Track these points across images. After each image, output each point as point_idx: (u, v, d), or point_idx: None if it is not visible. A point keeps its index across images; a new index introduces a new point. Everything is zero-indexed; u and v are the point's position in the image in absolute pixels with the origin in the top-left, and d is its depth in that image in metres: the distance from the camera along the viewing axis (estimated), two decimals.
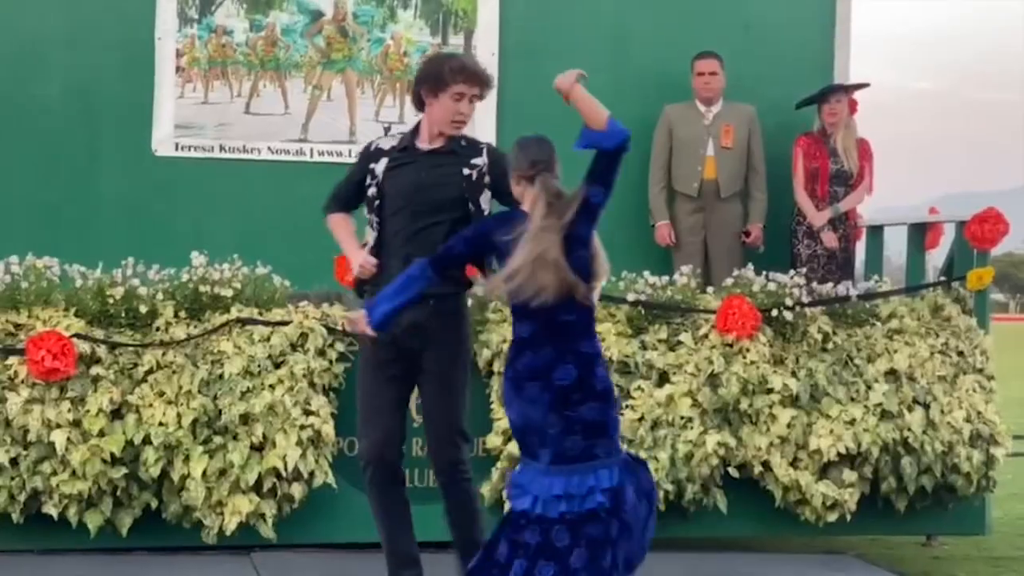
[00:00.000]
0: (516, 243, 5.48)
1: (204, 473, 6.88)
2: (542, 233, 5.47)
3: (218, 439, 6.95)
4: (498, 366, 7.27)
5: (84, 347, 6.92)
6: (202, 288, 7.21)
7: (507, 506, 5.71)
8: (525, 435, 5.54)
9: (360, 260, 6.06)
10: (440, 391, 6.06)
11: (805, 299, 7.72)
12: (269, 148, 8.77)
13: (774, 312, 7.63)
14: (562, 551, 5.36)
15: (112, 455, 6.81)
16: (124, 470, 6.85)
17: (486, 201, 6.09)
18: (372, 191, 6.15)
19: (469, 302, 6.39)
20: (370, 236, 6.14)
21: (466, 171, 6.07)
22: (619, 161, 5.58)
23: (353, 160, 8.69)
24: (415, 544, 6.13)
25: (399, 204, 6.09)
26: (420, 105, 6.19)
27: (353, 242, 6.20)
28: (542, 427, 5.45)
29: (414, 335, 5.93)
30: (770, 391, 7.46)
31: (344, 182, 6.37)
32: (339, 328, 7.17)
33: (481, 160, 6.11)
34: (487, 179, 6.07)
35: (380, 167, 6.15)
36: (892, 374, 7.66)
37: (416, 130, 6.21)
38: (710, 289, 7.88)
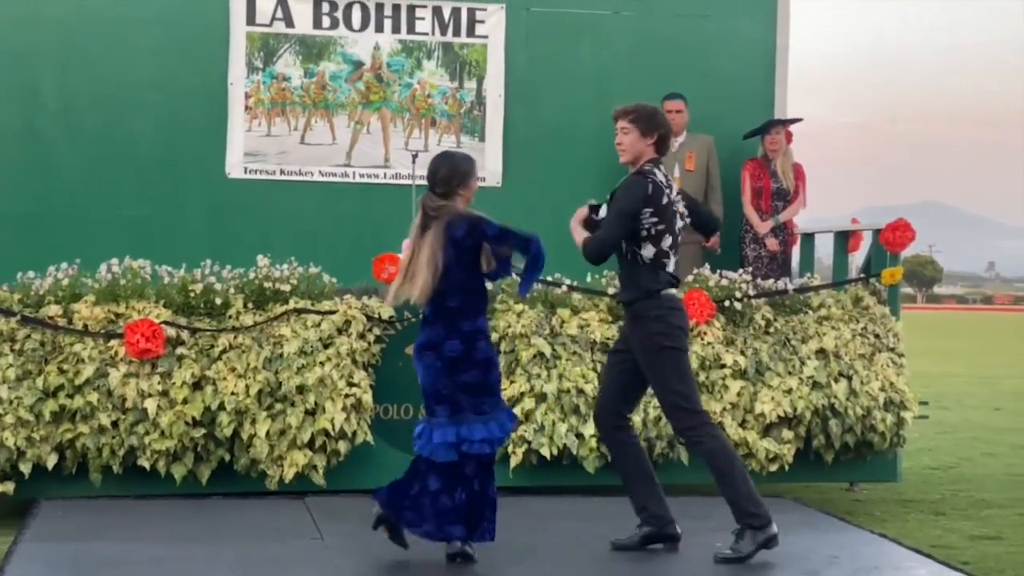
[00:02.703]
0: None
1: (267, 433, 6.88)
2: (416, 243, 5.62)
3: (279, 406, 6.95)
4: (504, 346, 7.26)
5: (171, 332, 6.92)
6: (266, 284, 7.21)
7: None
8: (425, 396, 5.66)
9: None
10: (651, 384, 6.01)
11: (751, 292, 7.72)
12: (320, 172, 8.78)
13: (726, 303, 7.62)
14: (470, 477, 5.55)
15: (193, 418, 6.82)
16: (203, 431, 6.85)
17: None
18: None
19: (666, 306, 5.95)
20: None
21: None
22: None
23: (387, 181, 8.82)
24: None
25: None
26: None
27: None
28: (437, 389, 5.58)
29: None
30: (723, 366, 7.45)
31: None
32: (378, 316, 7.17)
33: None
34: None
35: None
36: (821, 352, 7.65)
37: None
38: None
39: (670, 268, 5.91)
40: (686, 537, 6.34)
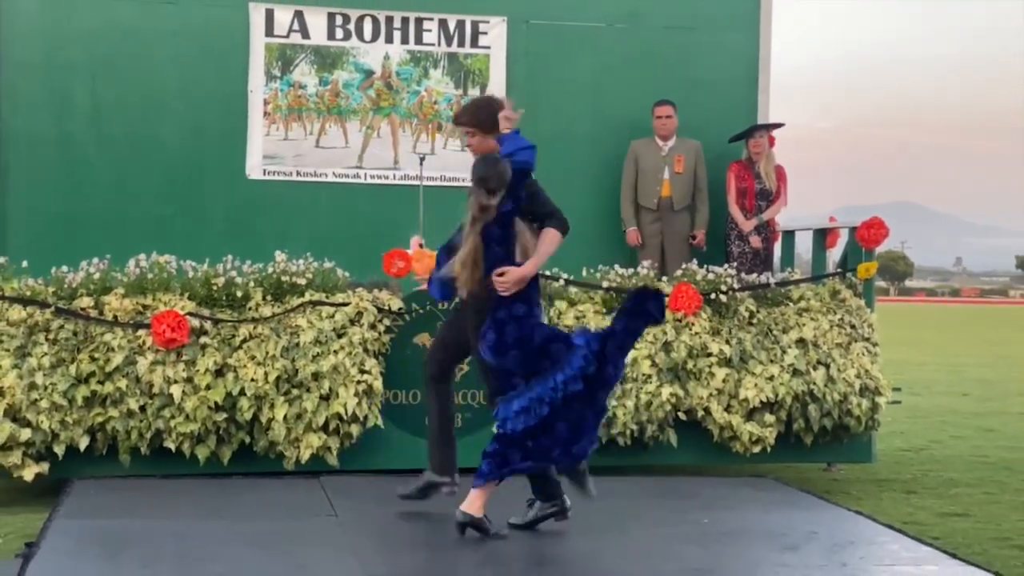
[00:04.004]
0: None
1: (285, 417, 6.87)
2: (471, 243, 5.49)
3: (295, 391, 6.94)
4: None
5: (195, 322, 6.91)
6: (283, 278, 7.20)
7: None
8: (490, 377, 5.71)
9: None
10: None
11: (736, 286, 7.71)
12: (333, 173, 8.76)
13: (712, 295, 7.61)
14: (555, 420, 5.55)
15: (216, 403, 6.81)
16: (225, 415, 6.85)
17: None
18: None
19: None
20: None
21: None
22: (521, 178, 5.51)
23: (396, 182, 8.81)
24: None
25: None
26: None
27: None
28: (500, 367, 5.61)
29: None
30: (709, 354, 7.44)
31: None
32: (388, 308, 7.17)
33: None
34: None
35: None
36: (801, 342, 7.64)
37: None
38: (664, 278, 7.86)
39: None
40: (674, 514, 6.35)
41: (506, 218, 5.53)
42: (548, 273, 7.49)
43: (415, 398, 7.21)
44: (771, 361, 7.53)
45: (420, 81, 8.87)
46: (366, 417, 6.97)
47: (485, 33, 8.92)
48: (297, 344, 6.99)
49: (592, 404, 5.62)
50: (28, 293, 6.92)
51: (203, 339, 6.92)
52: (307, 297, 7.16)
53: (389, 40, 8.81)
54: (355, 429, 6.94)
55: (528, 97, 8.87)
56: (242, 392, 6.84)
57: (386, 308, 7.19)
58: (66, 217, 8.36)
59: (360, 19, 8.76)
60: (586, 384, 5.55)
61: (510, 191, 5.50)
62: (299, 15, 8.67)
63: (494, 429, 5.66)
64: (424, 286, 6.04)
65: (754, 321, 7.68)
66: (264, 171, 8.65)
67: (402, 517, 6.12)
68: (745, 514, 6.42)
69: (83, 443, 6.73)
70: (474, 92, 8.88)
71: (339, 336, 7.06)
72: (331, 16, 8.72)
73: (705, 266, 7.79)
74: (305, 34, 8.70)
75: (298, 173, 8.70)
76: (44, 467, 6.70)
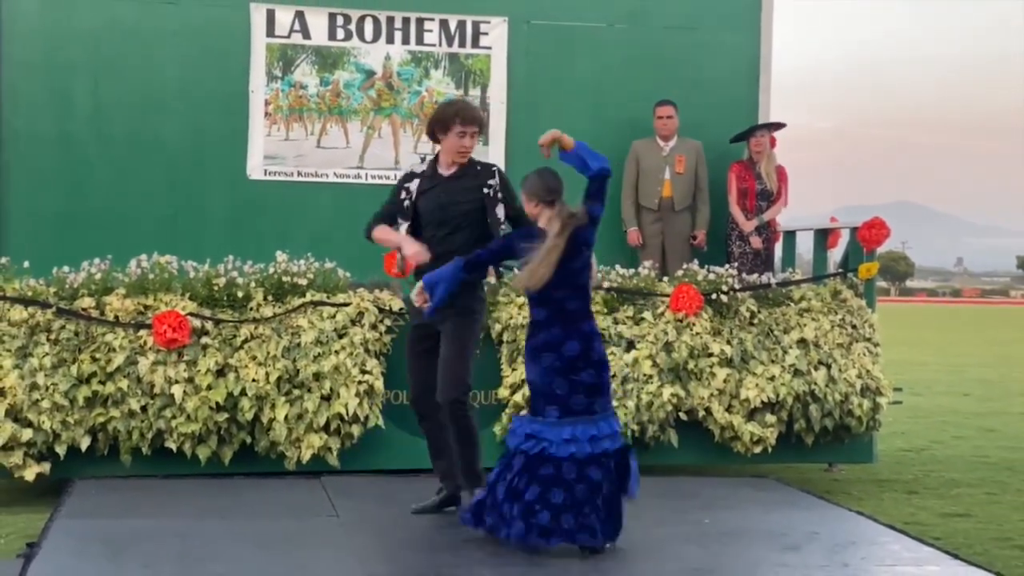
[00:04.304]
0: (534, 251, 5.45)
1: (286, 417, 6.87)
2: (555, 243, 5.43)
3: (296, 391, 6.94)
4: (506, 336, 7.26)
5: (196, 323, 6.91)
6: (284, 278, 7.20)
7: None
8: (536, 396, 5.50)
9: (415, 249, 5.91)
10: (448, 349, 5.96)
11: (737, 286, 7.71)
12: (335, 173, 8.76)
13: (714, 296, 7.61)
14: (570, 483, 5.36)
15: (217, 403, 6.81)
16: (226, 415, 6.85)
17: (500, 212, 6.04)
18: (407, 204, 6.10)
19: (484, 289, 6.26)
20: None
21: (484, 190, 6.04)
22: (608, 184, 5.58)
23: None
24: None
25: (428, 218, 6.05)
26: (435, 140, 6.17)
27: (403, 236, 6.03)
28: (552, 389, 5.43)
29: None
30: (711, 355, 7.45)
31: (385, 205, 6.21)
32: (389, 308, 7.18)
33: (494, 181, 6.08)
34: (500, 195, 6.06)
35: (414, 186, 6.13)
36: (802, 342, 7.64)
37: (436, 159, 6.19)
38: (665, 278, 7.86)
39: None
40: (675, 514, 6.35)
41: (598, 221, 5.59)
42: None
43: None
44: (772, 361, 7.53)
45: (421, 81, 8.87)
46: (367, 417, 6.97)
47: (486, 33, 8.92)
48: (298, 344, 7.00)
49: (601, 486, 5.44)
50: (29, 293, 6.93)
51: (204, 339, 6.92)
52: (308, 297, 7.16)
53: (390, 40, 8.81)
54: (356, 429, 6.95)
55: (528, 97, 8.93)
56: (243, 392, 6.85)
57: (387, 309, 7.19)
58: (66, 217, 8.36)
59: (361, 19, 8.76)
60: (618, 456, 5.49)
61: (598, 196, 5.57)
62: (300, 15, 8.67)
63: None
64: (417, 296, 5.84)
65: (755, 321, 7.69)
66: (265, 171, 8.65)
67: (402, 517, 6.11)
68: (746, 514, 6.42)
69: (84, 443, 6.73)
70: (475, 92, 8.88)
71: (340, 336, 7.06)
72: (332, 16, 8.72)
73: (706, 266, 7.80)
74: (306, 34, 8.70)
75: (299, 173, 8.70)
76: (45, 467, 6.70)
